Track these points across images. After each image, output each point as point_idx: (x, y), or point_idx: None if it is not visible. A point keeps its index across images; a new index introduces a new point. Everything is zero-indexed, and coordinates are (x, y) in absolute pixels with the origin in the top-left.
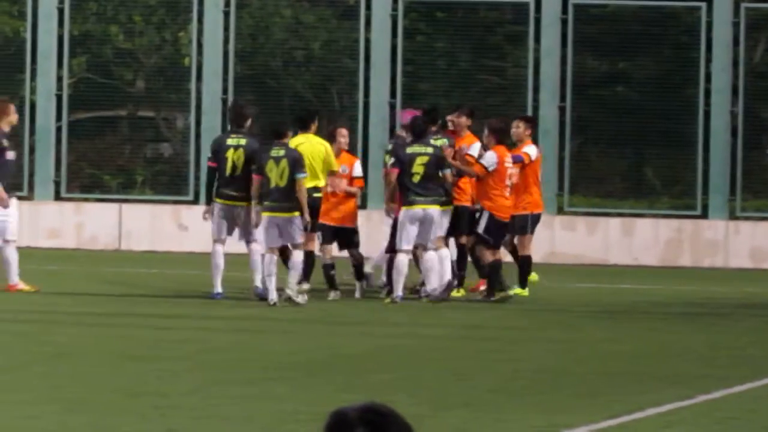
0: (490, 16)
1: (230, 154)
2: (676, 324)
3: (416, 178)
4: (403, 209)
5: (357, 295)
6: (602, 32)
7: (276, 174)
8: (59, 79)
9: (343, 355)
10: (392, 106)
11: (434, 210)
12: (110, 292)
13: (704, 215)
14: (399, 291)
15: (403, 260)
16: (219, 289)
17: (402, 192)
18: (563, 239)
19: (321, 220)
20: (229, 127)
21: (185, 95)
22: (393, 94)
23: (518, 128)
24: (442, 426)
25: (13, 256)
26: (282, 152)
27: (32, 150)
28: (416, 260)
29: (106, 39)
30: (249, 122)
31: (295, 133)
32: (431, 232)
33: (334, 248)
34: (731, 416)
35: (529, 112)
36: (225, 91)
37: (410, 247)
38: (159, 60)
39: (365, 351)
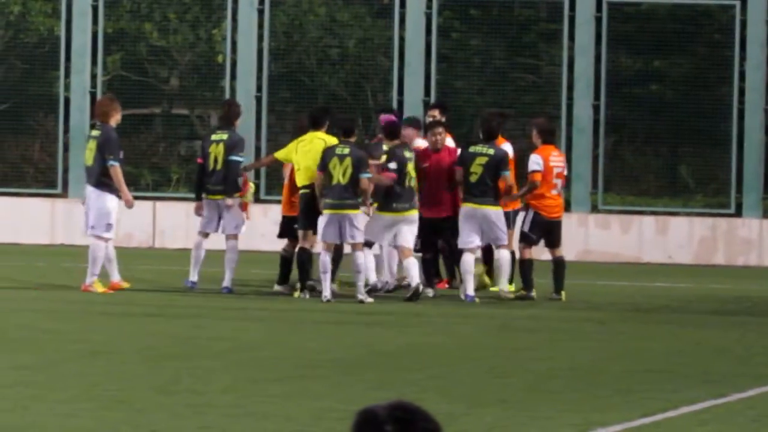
0: (524, 14)
1: (213, 149)
2: (710, 322)
3: (474, 178)
4: (462, 207)
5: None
6: (636, 30)
7: (339, 171)
8: (93, 76)
9: (378, 352)
10: (426, 104)
11: (488, 210)
12: (145, 290)
13: (738, 213)
14: (470, 290)
15: (468, 259)
16: (194, 278)
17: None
18: (597, 237)
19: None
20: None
21: (219, 93)
22: (427, 92)
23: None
24: (477, 424)
25: (99, 255)
26: (347, 150)
27: (66, 148)
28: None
29: (140, 36)
30: (239, 120)
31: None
32: (494, 231)
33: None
34: (766, 414)
35: (563, 111)
36: (259, 89)
37: (474, 245)
38: (193, 58)
39: (400, 348)
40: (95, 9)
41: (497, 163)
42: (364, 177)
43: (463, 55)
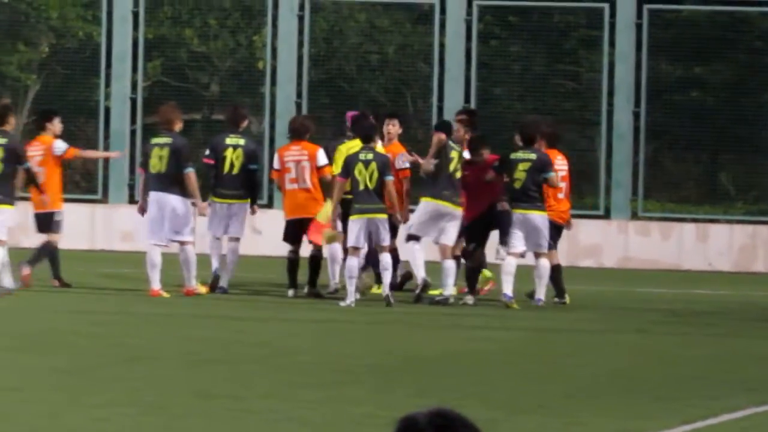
0: (564, 21)
1: (229, 153)
2: (751, 330)
3: (518, 184)
4: (514, 213)
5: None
6: (676, 37)
7: (365, 176)
8: (134, 82)
9: (417, 358)
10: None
11: (535, 215)
12: (182, 295)
13: None
14: (509, 291)
15: (510, 261)
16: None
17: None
18: (637, 244)
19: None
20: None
21: (259, 99)
22: (467, 99)
23: (458, 132)
24: (517, 430)
25: (193, 258)
26: (371, 155)
27: None
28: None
29: (180, 42)
30: (245, 123)
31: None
32: (538, 237)
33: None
34: None
35: (604, 117)
36: (299, 95)
37: (520, 249)
38: (233, 64)
39: (439, 354)
40: (136, 15)
41: (540, 166)
42: (389, 180)
43: (503, 62)
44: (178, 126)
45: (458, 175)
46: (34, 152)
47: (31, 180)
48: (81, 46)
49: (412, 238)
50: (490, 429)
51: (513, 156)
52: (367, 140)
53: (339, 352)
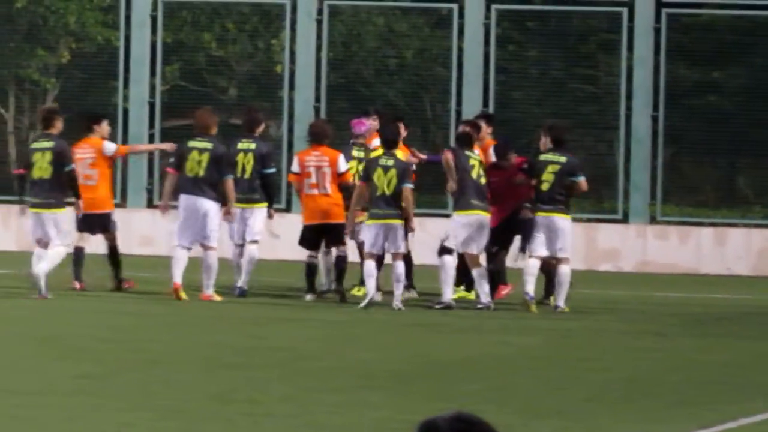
0: (583, 25)
1: (240, 157)
2: None
3: (545, 186)
4: (537, 215)
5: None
6: (695, 41)
7: (384, 182)
8: (152, 86)
9: (436, 363)
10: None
11: (558, 218)
12: (201, 300)
13: None
14: (530, 291)
15: (534, 263)
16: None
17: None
18: (655, 248)
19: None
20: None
21: (278, 103)
22: (485, 103)
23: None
24: None
25: (215, 264)
26: (391, 161)
27: (125, 158)
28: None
29: (199, 47)
30: (261, 128)
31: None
32: (560, 242)
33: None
34: None
35: (622, 121)
36: (317, 99)
37: (542, 253)
38: (252, 68)
39: (458, 359)
40: (154, 19)
41: (569, 170)
42: (407, 187)
43: (521, 66)
44: (215, 130)
45: (483, 180)
46: (84, 154)
47: (72, 183)
48: (99, 51)
49: (446, 251)
50: None
51: (542, 158)
52: (390, 146)
53: (357, 357)
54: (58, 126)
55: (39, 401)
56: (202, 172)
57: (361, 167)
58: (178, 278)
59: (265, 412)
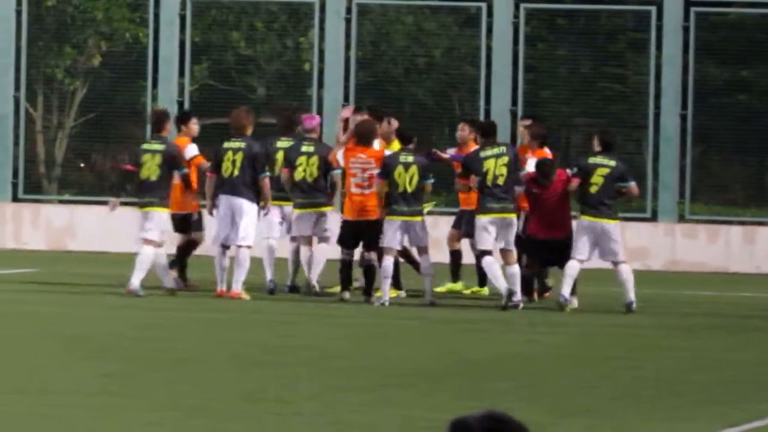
0: (611, 24)
1: (279, 155)
2: None
3: (594, 189)
4: (580, 219)
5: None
6: (724, 40)
7: (405, 179)
8: (180, 86)
9: (465, 361)
10: (513, 114)
11: (607, 223)
12: (229, 299)
13: None
14: (566, 293)
15: (575, 266)
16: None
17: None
18: (684, 247)
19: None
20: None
21: (306, 102)
22: (514, 102)
23: (463, 131)
24: None
25: (247, 262)
26: (411, 158)
27: None
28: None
29: (227, 45)
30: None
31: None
32: (611, 246)
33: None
34: None
35: (651, 120)
36: (346, 98)
37: (585, 256)
38: (280, 66)
39: (488, 357)
40: (182, 18)
41: (619, 175)
42: (428, 183)
43: (550, 65)
44: (250, 130)
45: (501, 180)
46: None
47: (187, 186)
48: (128, 50)
49: (485, 253)
50: None
51: (591, 160)
52: (406, 141)
53: (385, 355)
54: (168, 128)
55: (67, 400)
56: (237, 172)
57: (310, 161)
58: (222, 284)
59: (293, 410)
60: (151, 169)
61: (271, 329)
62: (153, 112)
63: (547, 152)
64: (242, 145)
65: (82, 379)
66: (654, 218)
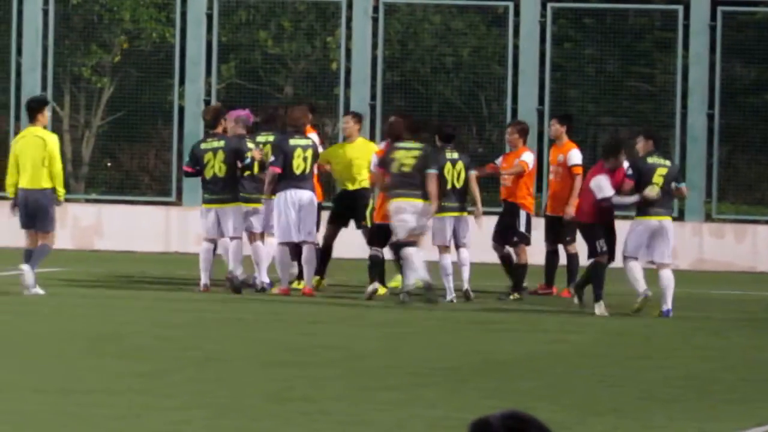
0: (638, 23)
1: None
2: None
3: (655, 191)
4: (637, 219)
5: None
6: (751, 39)
7: (453, 175)
8: (208, 85)
9: (491, 360)
10: (540, 113)
11: (669, 222)
12: (257, 298)
13: None
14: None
15: (635, 266)
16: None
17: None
18: (711, 246)
19: None
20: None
21: (334, 101)
22: (541, 101)
23: (513, 134)
24: None
25: (314, 258)
26: (456, 154)
27: (180, 155)
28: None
29: (255, 45)
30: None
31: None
32: (665, 246)
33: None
34: None
35: (678, 120)
36: (373, 97)
37: (639, 255)
38: (307, 66)
39: (514, 357)
40: (210, 17)
41: (675, 174)
42: (473, 174)
43: (577, 64)
44: (308, 128)
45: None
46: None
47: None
48: (155, 48)
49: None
50: (563, 431)
51: (650, 161)
52: (448, 140)
53: (411, 355)
54: (224, 124)
55: (94, 399)
56: (308, 169)
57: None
58: (285, 282)
59: (319, 410)
60: (215, 166)
61: (297, 329)
62: (208, 110)
63: (529, 150)
64: (309, 142)
65: (109, 378)
66: (681, 218)
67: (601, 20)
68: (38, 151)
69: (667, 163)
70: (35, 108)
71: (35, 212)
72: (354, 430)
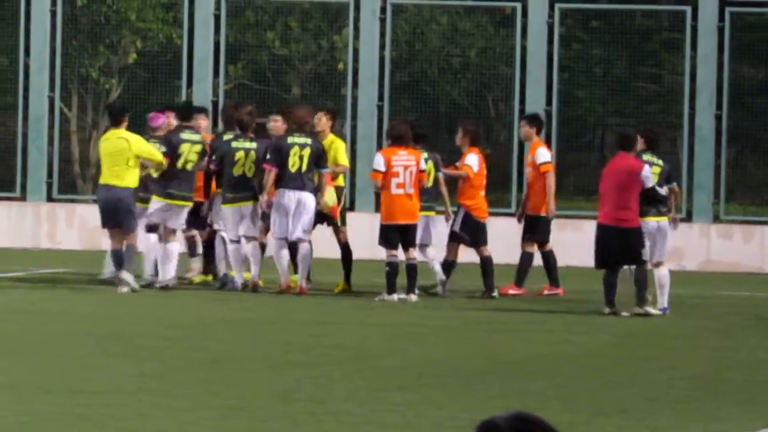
0: (646, 24)
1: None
2: None
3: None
4: (644, 221)
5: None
6: (759, 40)
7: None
8: (215, 85)
9: (500, 361)
10: (548, 114)
11: (665, 222)
12: (265, 298)
13: None
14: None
15: (664, 272)
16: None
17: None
18: (719, 247)
19: None
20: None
21: (341, 102)
22: (549, 102)
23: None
24: None
25: (309, 255)
26: (426, 155)
27: None
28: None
29: (262, 45)
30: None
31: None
32: (662, 245)
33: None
34: None
35: (685, 120)
36: (381, 98)
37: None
38: (315, 66)
39: (522, 357)
40: (217, 18)
41: (668, 174)
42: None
43: (585, 65)
44: (310, 127)
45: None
46: None
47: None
48: (162, 49)
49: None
50: None
51: (644, 158)
52: (417, 140)
53: (420, 356)
54: (252, 126)
55: (102, 400)
56: (305, 167)
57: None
58: (284, 277)
59: (328, 410)
60: (244, 165)
61: (306, 329)
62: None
63: (478, 150)
64: (308, 141)
65: (117, 378)
66: (689, 218)
67: (609, 21)
68: (122, 152)
69: (661, 162)
70: (117, 114)
71: (116, 211)
72: (362, 430)
